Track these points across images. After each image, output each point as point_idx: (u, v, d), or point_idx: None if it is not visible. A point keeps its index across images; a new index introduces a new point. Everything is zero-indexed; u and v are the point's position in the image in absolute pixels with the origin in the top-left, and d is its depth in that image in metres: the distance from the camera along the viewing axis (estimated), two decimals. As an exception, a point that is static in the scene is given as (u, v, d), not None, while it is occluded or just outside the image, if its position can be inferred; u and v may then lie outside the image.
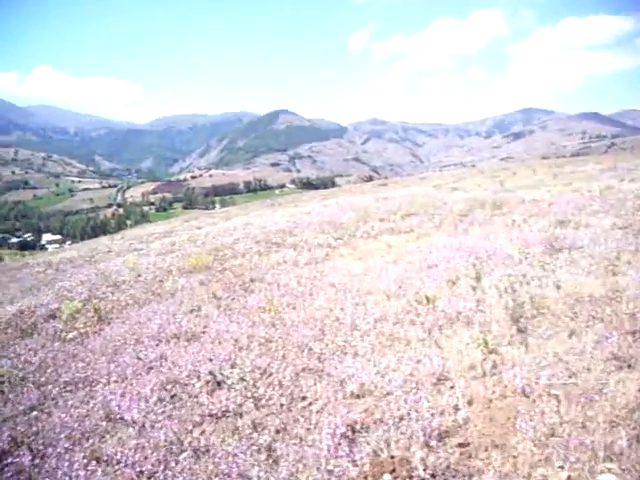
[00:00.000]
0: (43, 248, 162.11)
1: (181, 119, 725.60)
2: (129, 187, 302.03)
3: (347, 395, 5.38)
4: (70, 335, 9.08)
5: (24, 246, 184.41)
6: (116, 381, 6.62)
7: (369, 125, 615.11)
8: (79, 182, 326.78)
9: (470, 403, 4.92)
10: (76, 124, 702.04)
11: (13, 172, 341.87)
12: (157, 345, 7.67)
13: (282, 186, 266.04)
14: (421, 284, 8.64)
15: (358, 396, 5.35)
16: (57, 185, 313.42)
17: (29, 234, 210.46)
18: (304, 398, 5.43)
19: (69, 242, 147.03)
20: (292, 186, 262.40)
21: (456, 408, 4.87)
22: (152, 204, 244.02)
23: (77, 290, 12.83)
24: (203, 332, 7.92)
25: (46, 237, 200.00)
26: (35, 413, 6.16)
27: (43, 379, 7.17)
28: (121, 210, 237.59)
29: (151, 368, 6.81)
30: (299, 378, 5.85)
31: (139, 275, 13.57)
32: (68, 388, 6.74)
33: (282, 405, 5.37)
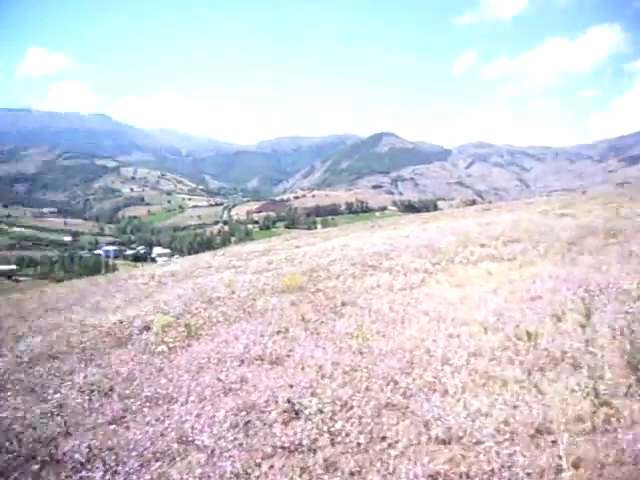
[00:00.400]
0: (153, 260, 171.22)
1: (286, 141, 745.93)
2: (235, 205, 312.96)
3: (431, 439, 4.89)
4: (159, 348, 9.18)
5: (137, 258, 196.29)
6: (194, 401, 6.49)
7: (473, 148, 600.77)
8: (189, 199, 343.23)
9: (576, 466, 4.21)
10: (188, 145, 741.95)
11: (132, 189, 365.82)
12: (239, 366, 7.51)
13: (383, 208, 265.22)
14: (522, 317, 7.97)
15: (444, 442, 4.84)
16: (169, 202, 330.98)
17: (142, 247, 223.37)
18: (384, 438, 4.99)
19: (176, 256, 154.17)
20: (393, 208, 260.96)
21: (558, 470, 4.19)
22: (256, 222, 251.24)
23: (173, 304, 13.11)
24: (287, 356, 7.69)
25: (156, 250, 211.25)
26: (114, 427, 6.16)
27: (127, 392, 7.21)
28: (226, 227, 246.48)
29: (230, 390, 6.63)
30: (381, 415, 5.42)
31: (233, 292, 13.65)
32: (148, 403, 6.70)
33: (359, 444, 4.95)
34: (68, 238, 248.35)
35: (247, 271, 18.74)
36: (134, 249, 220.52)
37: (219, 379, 6.94)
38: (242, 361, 7.73)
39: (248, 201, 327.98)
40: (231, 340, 8.90)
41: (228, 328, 9.94)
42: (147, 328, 10.87)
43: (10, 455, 5.75)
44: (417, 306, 9.54)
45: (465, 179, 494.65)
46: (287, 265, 18.54)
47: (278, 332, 9.07)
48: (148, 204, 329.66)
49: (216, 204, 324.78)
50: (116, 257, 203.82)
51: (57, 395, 7.48)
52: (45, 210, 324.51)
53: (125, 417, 6.42)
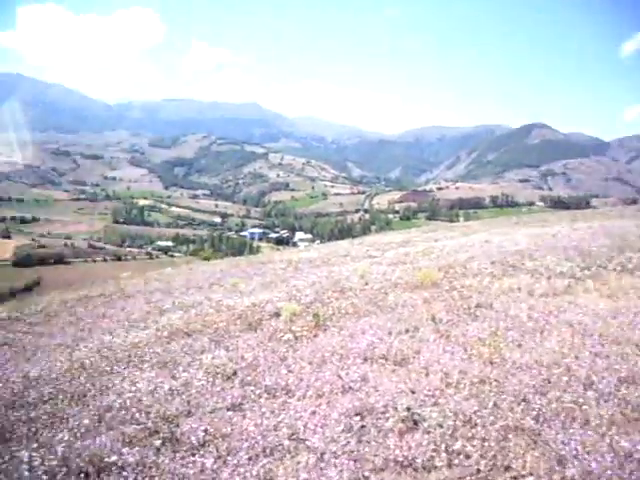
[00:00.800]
0: (295, 245, 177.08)
1: (430, 131, 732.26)
2: (376, 194, 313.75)
3: (565, 481, 4.15)
4: (285, 337, 9.22)
5: (280, 241, 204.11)
6: (311, 396, 6.35)
7: (637, 142, 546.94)
8: (332, 187, 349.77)
9: None
10: (333, 133, 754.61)
11: (278, 175, 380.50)
12: (362, 364, 7.27)
13: (531, 204, 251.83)
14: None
15: (580, 487, 4.08)
16: (312, 188, 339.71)
17: (285, 231, 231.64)
18: (508, 468, 4.38)
19: (317, 241, 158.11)
20: (541, 204, 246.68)
21: None
22: (397, 212, 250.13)
23: (305, 291, 13.21)
24: (413, 357, 7.32)
25: (298, 235, 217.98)
26: (231, 413, 6.20)
27: (249, 378, 7.26)
28: (367, 216, 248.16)
29: (349, 389, 6.41)
30: (507, 439, 4.81)
31: (366, 284, 13.49)
32: (267, 394, 6.67)
33: (479, 470, 4.40)
34: (218, 219, 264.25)
35: (382, 262, 18.49)
36: (277, 233, 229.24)
37: (339, 376, 6.75)
38: (365, 359, 7.49)
39: (390, 190, 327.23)
40: (357, 335, 8.72)
41: (356, 322, 9.78)
42: (277, 314, 11.02)
43: (138, 427, 6.01)
44: (560, 316, 8.66)
45: (625, 175, 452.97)
46: (423, 259, 18.07)
47: (406, 331, 8.73)
48: (293, 190, 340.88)
49: (358, 192, 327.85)
50: (260, 239, 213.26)
51: (185, 374, 7.75)
52: (199, 192, 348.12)
53: (243, 405, 6.44)
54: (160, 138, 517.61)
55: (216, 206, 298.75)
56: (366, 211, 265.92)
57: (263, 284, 17.18)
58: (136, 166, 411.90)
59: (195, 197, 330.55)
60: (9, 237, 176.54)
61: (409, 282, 13.05)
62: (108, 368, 8.61)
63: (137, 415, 6.34)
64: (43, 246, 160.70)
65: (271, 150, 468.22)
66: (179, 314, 12.95)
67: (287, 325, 9.97)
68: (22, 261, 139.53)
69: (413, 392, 5.98)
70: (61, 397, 7.50)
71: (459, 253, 17.97)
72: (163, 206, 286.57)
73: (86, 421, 6.37)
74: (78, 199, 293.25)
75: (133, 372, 8.29)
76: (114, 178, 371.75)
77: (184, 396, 6.86)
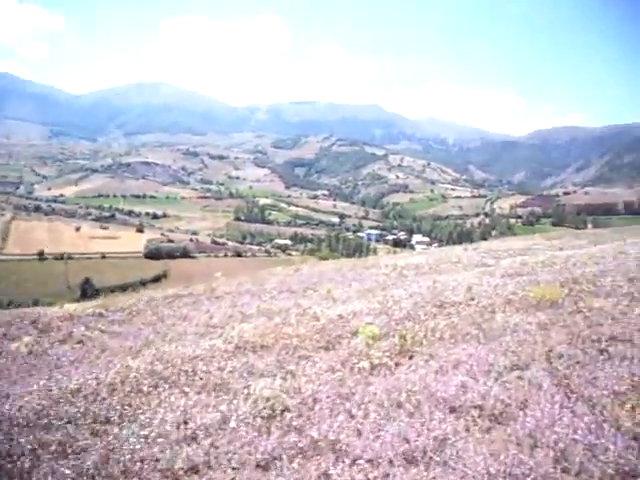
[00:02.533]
0: (412, 247, 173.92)
1: (559, 132, 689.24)
2: (498, 198, 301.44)
3: None
4: (360, 364, 7.57)
5: (397, 243, 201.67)
6: (361, 465, 4.66)
7: None
8: (452, 190, 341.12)
9: None
10: (454, 135, 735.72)
11: (397, 176, 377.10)
12: (444, 417, 5.46)
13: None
14: None
15: None
16: (432, 191, 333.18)
17: (402, 233, 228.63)
18: None
19: (435, 244, 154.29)
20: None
21: None
22: (519, 217, 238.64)
23: (401, 303, 11.54)
24: (517, 413, 5.38)
25: (416, 237, 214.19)
26: (256, 474, 4.72)
27: (296, 423, 5.70)
28: (487, 220, 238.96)
29: (416, 460, 4.64)
30: None
31: (472, 299, 11.56)
32: (309, 449, 5.09)
33: None
34: (336, 219, 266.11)
35: (496, 272, 16.17)
36: (395, 234, 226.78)
37: (406, 439, 4.96)
38: (452, 408, 5.67)
39: (513, 194, 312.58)
40: (448, 369, 6.94)
41: (451, 349, 7.98)
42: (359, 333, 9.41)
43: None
44: None
45: None
46: (543, 271, 15.62)
47: (512, 368, 6.80)
48: (412, 192, 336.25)
49: (479, 196, 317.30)
50: (377, 241, 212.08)
51: (227, 404, 6.36)
52: (318, 193, 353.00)
53: (274, 462, 4.90)
54: (282, 139, 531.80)
55: (334, 206, 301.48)
56: (487, 215, 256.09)
57: (360, 291, 15.65)
58: (259, 166, 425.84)
59: (314, 197, 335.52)
60: (142, 231, 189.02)
61: (523, 299, 10.96)
62: (151, 387, 7.40)
63: (139, 465, 5.03)
64: (171, 240, 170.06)
65: (391, 152, 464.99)
66: (261, 321, 11.74)
67: (368, 347, 8.32)
68: (152, 254, 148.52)
69: (511, 475, 4.09)
70: (81, 421, 6.35)
71: (587, 266, 15.29)
72: (283, 205, 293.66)
73: (90, 461, 5.15)
74: (204, 197, 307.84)
75: (174, 395, 7.02)
76: (238, 177, 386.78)
77: (210, 440, 5.42)
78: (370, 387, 6.56)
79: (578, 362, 6.77)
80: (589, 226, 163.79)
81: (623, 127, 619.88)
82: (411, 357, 7.83)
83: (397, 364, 7.53)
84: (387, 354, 7.89)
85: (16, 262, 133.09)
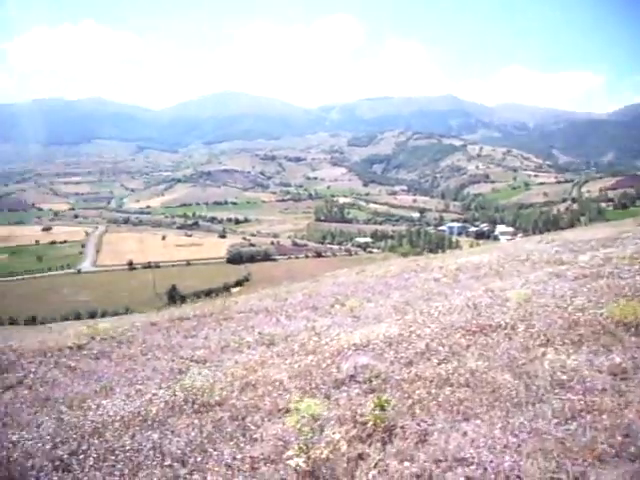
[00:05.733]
0: (496, 238, 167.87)
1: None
2: (586, 182, 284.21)
3: None
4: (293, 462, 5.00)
5: (480, 235, 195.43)
6: None
7: None
8: (535, 176, 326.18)
9: None
10: (535, 119, 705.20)
11: (477, 167, 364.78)
12: None
13: None
14: None
15: None
16: (514, 179, 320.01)
17: (485, 224, 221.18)
18: None
19: (520, 234, 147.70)
20: None
21: None
22: (610, 200, 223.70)
23: (424, 329, 9.01)
24: None
25: (500, 228, 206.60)
26: None
27: None
28: (575, 206, 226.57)
29: None
30: None
31: (523, 318, 8.82)
32: None
33: None
34: (416, 214, 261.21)
35: (567, 273, 13.23)
36: (477, 226, 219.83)
37: None
38: None
39: (602, 177, 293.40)
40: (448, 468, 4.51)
41: (458, 427, 5.32)
42: (353, 377, 7.19)
43: None
44: None
45: None
46: (632, 269, 12.23)
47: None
48: (493, 181, 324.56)
49: (565, 181, 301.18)
50: (459, 234, 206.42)
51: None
52: (397, 188, 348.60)
53: None
54: (358, 137, 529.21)
55: (414, 201, 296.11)
56: (574, 200, 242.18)
57: (395, 306, 12.98)
58: (336, 165, 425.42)
59: (393, 193, 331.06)
60: (224, 237, 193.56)
61: (598, 320, 7.95)
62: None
63: None
64: (252, 244, 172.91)
65: (469, 141, 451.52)
66: (255, 352, 9.84)
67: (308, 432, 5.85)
68: (234, 258, 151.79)
69: None
70: None
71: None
72: (362, 203, 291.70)
73: None
74: (283, 200, 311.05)
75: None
76: (315, 178, 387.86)
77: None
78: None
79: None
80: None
81: None
82: (392, 432, 5.32)
83: (362, 456, 5.01)
84: (346, 438, 5.40)
85: (108, 273, 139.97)
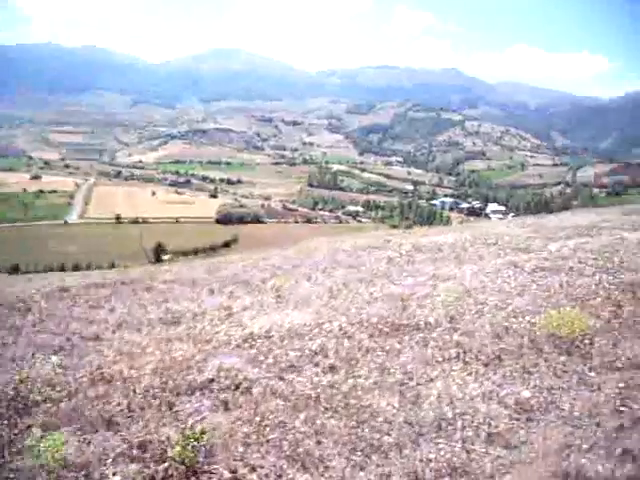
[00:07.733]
0: (487, 216, 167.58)
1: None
2: (581, 166, 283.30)
3: None
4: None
5: (471, 212, 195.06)
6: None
7: None
8: (531, 157, 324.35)
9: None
10: (537, 100, 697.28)
11: (474, 143, 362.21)
12: None
13: None
14: None
15: None
16: (510, 158, 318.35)
17: (477, 202, 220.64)
18: None
19: (511, 214, 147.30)
20: None
21: None
22: (604, 187, 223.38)
23: (333, 323, 7.95)
24: None
25: (491, 207, 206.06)
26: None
27: None
28: (568, 190, 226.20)
29: None
30: None
31: (451, 320, 7.86)
32: None
33: None
34: (409, 187, 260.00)
35: (527, 265, 11.75)
36: (469, 203, 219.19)
37: None
38: None
39: (598, 162, 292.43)
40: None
41: None
42: (211, 383, 6.02)
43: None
44: None
45: None
46: (595, 267, 10.87)
47: None
48: (489, 159, 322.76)
49: (561, 164, 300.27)
50: (451, 209, 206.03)
51: None
52: (392, 159, 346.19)
53: None
54: (357, 105, 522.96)
55: (408, 173, 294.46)
56: (568, 184, 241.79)
57: (331, 288, 11.61)
58: (333, 132, 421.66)
59: (388, 164, 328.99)
60: (215, 196, 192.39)
61: (525, 330, 6.99)
62: None
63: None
64: (242, 206, 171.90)
65: (468, 117, 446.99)
66: (142, 336, 8.62)
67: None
68: (223, 219, 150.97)
69: None
70: None
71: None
72: (356, 172, 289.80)
73: None
74: (277, 163, 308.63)
75: None
76: (311, 143, 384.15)
77: None
78: None
79: None
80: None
81: None
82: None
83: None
84: None
85: (96, 225, 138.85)
